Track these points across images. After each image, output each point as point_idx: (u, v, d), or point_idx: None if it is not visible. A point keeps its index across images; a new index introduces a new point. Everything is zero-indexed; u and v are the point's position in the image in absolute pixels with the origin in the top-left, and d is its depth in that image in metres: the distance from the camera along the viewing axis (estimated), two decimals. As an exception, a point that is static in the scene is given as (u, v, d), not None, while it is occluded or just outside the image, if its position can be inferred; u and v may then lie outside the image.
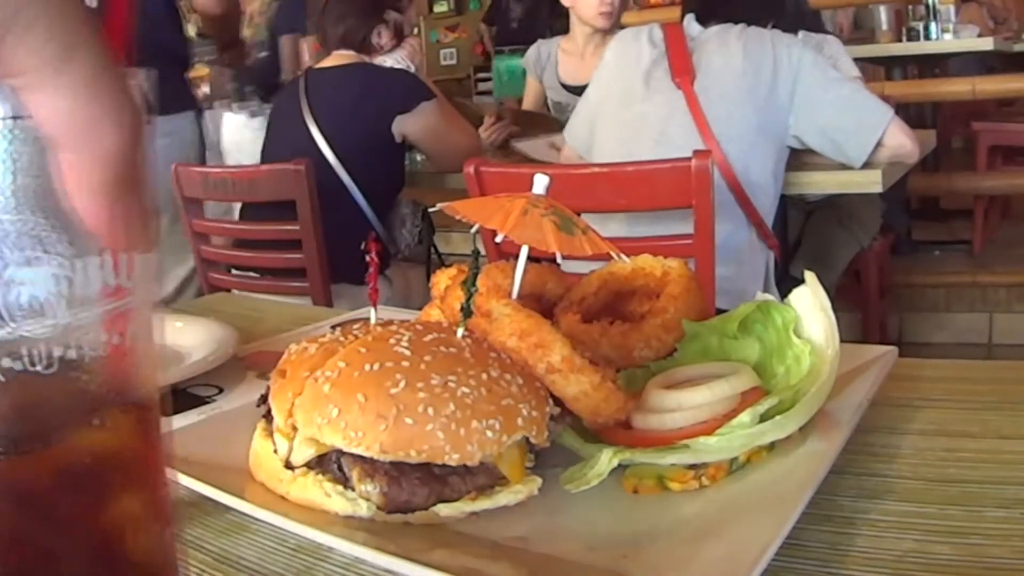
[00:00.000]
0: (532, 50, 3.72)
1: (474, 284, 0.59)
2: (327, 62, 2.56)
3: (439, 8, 10.12)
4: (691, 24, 2.09)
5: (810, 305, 0.67)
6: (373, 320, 0.64)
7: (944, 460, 0.62)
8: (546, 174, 0.62)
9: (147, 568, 0.39)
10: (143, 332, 0.35)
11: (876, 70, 4.76)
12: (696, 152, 1.68)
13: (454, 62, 9.89)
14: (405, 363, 0.56)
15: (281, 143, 2.55)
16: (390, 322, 0.62)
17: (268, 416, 0.61)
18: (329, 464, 0.57)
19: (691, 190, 1.68)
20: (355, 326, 0.62)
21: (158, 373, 0.38)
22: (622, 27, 2.93)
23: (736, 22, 2.06)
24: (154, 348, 0.36)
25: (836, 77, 2.02)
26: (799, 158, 2.08)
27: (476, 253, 0.60)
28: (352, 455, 0.55)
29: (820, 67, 1.99)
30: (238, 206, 2.65)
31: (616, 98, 2.10)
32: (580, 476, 0.58)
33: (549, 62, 3.64)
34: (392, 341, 0.58)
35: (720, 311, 0.72)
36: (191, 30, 3.68)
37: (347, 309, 1.23)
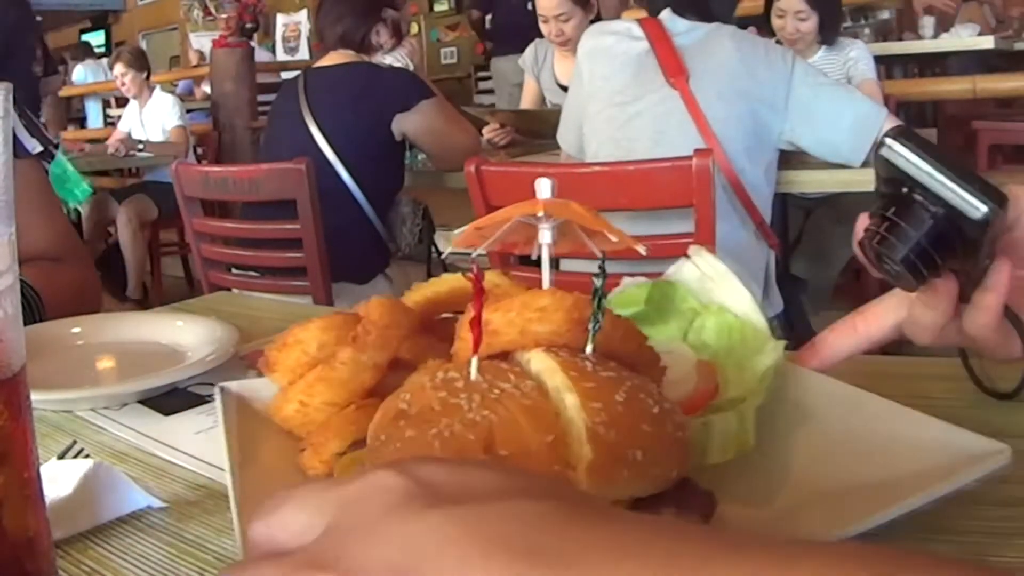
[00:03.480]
0: (529, 50, 3.72)
1: (600, 311, 0.52)
2: (326, 61, 2.56)
3: (439, 7, 10.13)
4: (674, 21, 2.04)
5: (702, 276, 0.66)
6: (474, 372, 0.50)
7: (944, 459, 0.62)
8: (548, 176, 0.59)
9: (19, 538, 0.39)
10: (14, 307, 0.39)
11: (876, 69, 4.76)
12: (697, 151, 1.69)
13: (455, 61, 9.90)
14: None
15: (281, 142, 2.55)
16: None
17: None
18: None
19: (692, 189, 1.68)
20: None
21: (23, 345, 0.41)
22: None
23: (707, 8, 2.05)
24: (20, 322, 0.40)
25: (827, 82, 2.03)
26: (798, 157, 2.08)
27: (603, 269, 0.52)
28: None
29: (811, 74, 2.00)
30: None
31: (604, 99, 2.08)
32: None
33: (546, 63, 3.63)
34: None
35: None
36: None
37: (347, 308, 1.23)
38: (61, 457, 0.59)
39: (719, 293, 0.66)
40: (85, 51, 10.10)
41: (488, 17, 6.26)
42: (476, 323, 0.49)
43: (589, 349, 0.52)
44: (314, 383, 0.59)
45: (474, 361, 0.49)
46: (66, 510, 0.55)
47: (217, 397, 0.64)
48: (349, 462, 0.55)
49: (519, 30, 4.82)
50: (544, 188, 0.56)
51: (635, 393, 0.49)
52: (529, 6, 4.57)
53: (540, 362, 0.50)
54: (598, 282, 0.52)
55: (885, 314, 0.66)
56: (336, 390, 0.58)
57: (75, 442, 0.64)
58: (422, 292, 0.65)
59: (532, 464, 0.44)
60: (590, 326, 0.52)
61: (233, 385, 0.67)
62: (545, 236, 0.57)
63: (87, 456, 0.59)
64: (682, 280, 0.68)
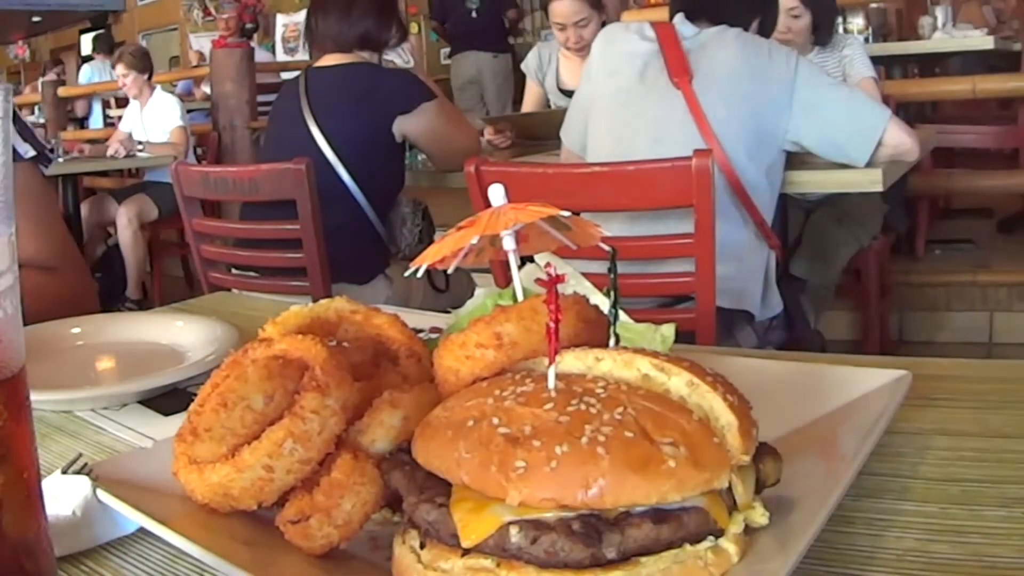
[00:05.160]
0: (532, 54, 3.71)
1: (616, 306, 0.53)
2: (326, 61, 2.54)
3: (440, 7, 10.10)
4: (684, 24, 2.06)
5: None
6: (553, 382, 0.48)
7: (944, 459, 0.62)
8: (499, 183, 0.58)
9: (18, 541, 0.39)
10: (14, 307, 0.39)
11: (876, 69, 4.77)
12: (697, 151, 1.69)
13: (454, 61, 9.87)
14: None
15: (281, 142, 2.54)
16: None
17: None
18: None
19: (692, 189, 1.68)
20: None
21: (23, 345, 0.41)
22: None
23: (723, 19, 2.05)
24: (20, 322, 0.40)
25: (831, 83, 2.03)
26: (799, 157, 2.08)
27: (613, 256, 0.53)
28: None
29: (815, 74, 2.01)
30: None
31: (609, 96, 2.09)
32: None
33: (550, 67, 3.63)
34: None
35: (720, 309, 0.72)
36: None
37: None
38: (65, 471, 0.59)
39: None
40: (107, 42, 9.89)
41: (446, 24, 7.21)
42: (553, 334, 0.47)
43: (613, 343, 0.53)
44: (282, 441, 0.50)
45: (552, 370, 0.48)
46: (66, 530, 0.55)
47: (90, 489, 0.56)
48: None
49: (469, 32, 6.65)
50: (497, 194, 0.57)
51: (700, 366, 0.50)
52: (474, 14, 6.59)
53: (593, 360, 0.50)
54: (611, 276, 0.53)
55: None
56: (310, 445, 0.51)
57: (80, 455, 0.63)
58: (284, 324, 0.59)
59: (697, 443, 0.44)
60: (610, 319, 0.53)
61: (106, 467, 0.60)
62: (509, 243, 0.57)
63: (90, 472, 0.58)
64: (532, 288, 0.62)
